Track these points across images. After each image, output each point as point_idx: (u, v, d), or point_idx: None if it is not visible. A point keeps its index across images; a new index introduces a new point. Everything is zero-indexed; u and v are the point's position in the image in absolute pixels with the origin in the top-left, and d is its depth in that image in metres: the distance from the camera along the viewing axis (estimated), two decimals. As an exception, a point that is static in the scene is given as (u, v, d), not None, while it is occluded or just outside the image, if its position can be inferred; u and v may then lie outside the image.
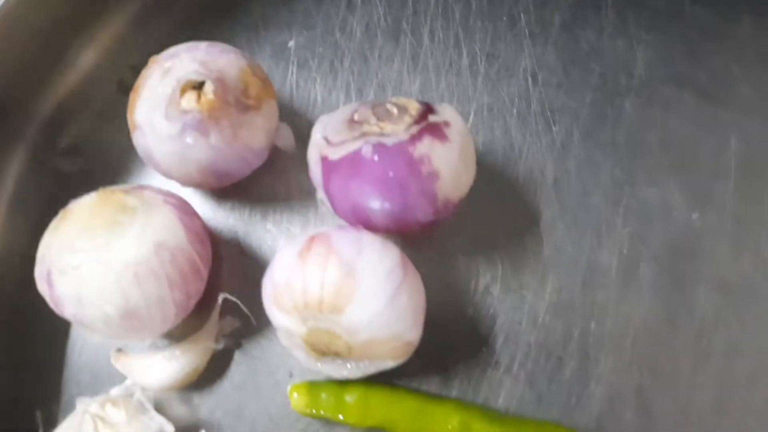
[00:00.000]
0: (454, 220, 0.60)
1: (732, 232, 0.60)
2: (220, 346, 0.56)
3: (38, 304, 0.54)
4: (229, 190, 0.60)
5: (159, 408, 0.56)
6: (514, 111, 0.62)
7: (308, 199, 0.61)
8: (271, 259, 0.53)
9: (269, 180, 0.61)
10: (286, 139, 0.58)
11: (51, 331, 0.58)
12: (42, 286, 0.48)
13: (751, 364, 0.58)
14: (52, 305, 0.49)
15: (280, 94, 0.62)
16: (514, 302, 0.59)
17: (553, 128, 0.62)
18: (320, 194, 0.54)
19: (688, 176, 0.61)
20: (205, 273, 0.51)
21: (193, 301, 0.52)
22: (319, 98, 0.62)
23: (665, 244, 0.60)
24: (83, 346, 0.58)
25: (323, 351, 0.50)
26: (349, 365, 0.52)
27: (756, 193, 0.61)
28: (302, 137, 0.56)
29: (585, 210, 0.60)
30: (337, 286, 0.47)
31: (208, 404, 0.57)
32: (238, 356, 0.58)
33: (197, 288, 0.51)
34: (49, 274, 0.47)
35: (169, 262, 0.48)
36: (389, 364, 0.52)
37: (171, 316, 0.50)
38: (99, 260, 0.47)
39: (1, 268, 0.59)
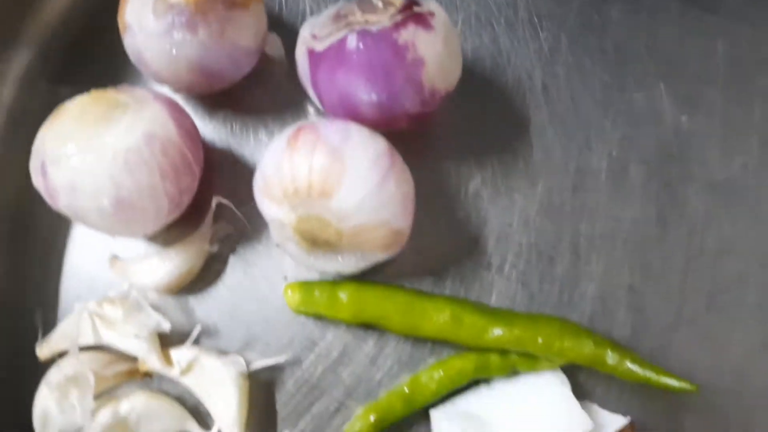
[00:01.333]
0: (444, 125, 0.60)
1: (721, 134, 0.61)
2: (215, 249, 0.57)
3: (37, 212, 0.55)
4: (221, 100, 0.60)
5: (155, 311, 0.56)
6: (502, 19, 0.63)
7: (300, 110, 0.62)
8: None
9: (261, 91, 0.61)
10: (276, 47, 0.59)
11: (50, 239, 0.59)
12: (37, 179, 0.49)
13: (742, 263, 0.59)
14: (47, 198, 0.49)
15: (270, 7, 0.63)
16: (504, 204, 0.59)
17: (541, 35, 0.62)
18: (311, 94, 0.55)
19: (676, 81, 0.62)
20: (197, 170, 0.52)
21: (186, 198, 0.52)
22: (308, 11, 0.63)
23: (654, 147, 0.60)
24: (81, 255, 0.59)
25: (314, 241, 0.50)
26: (340, 258, 0.53)
27: (744, 96, 0.61)
28: (292, 50, 0.57)
29: (574, 115, 0.61)
30: (325, 170, 0.48)
31: (203, 308, 0.58)
32: (232, 261, 0.59)
33: (189, 184, 0.52)
34: (43, 165, 0.48)
35: (160, 153, 0.49)
36: (380, 256, 0.52)
37: (164, 210, 0.50)
38: (91, 149, 0.47)
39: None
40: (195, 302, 0.58)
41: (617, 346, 0.53)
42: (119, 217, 0.49)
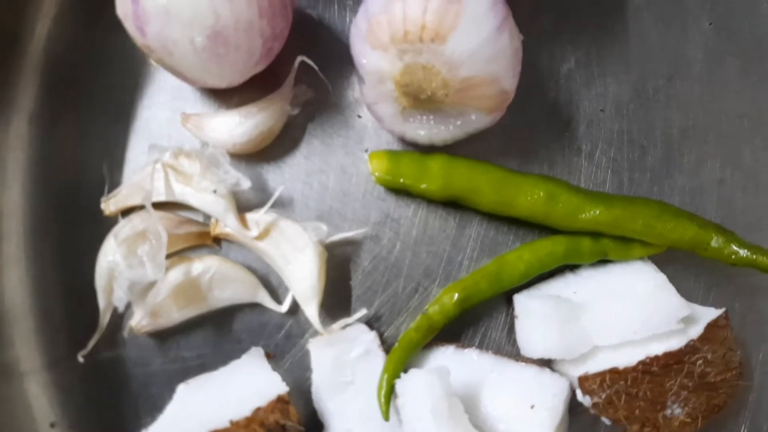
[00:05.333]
0: (541, 3, 0.57)
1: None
2: (295, 111, 0.53)
3: (106, 65, 0.51)
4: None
5: (229, 174, 0.52)
6: None
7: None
8: (347, 32, 0.50)
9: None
10: None
11: (119, 92, 0.55)
12: (124, 5, 0.45)
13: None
14: (132, 28, 0.45)
15: None
16: (597, 89, 0.57)
17: None
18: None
19: (776, -26, 0.59)
20: (290, 16, 0.48)
21: (276, 46, 0.49)
22: None
23: (751, 40, 0.58)
24: (151, 111, 0.55)
25: (416, 94, 0.47)
26: (436, 124, 0.49)
27: None
28: None
29: (671, 1, 0.58)
30: (442, 11, 0.44)
31: (278, 176, 0.55)
32: (311, 128, 0.55)
33: (282, 30, 0.48)
34: (133, -12, 0.44)
35: (260, -14, 0.45)
36: (479, 121, 0.49)
37: (256, 52, 0.47)
38: (189, -30, 0.43)
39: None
40: (269, 170, 0.55)
41: (722, 228, 0.50)
42: (212, 54, 0.45)
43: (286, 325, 0.53)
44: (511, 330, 0.54)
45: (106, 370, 0.52)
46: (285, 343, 0.53)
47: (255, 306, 0.53)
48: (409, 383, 0.46)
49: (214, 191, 0.49)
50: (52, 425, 0.51)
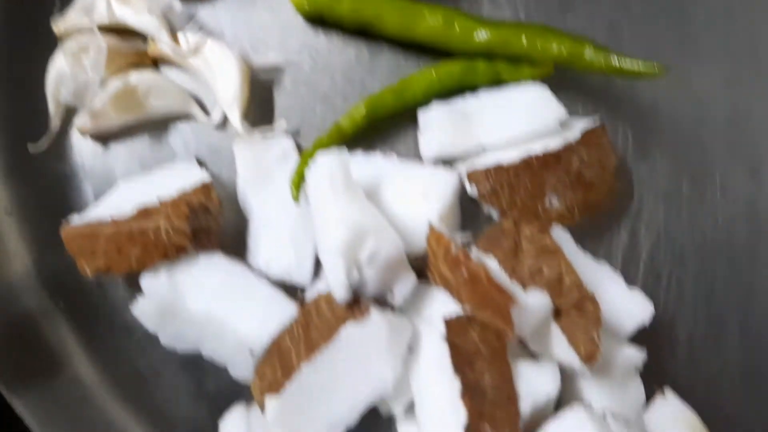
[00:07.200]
0: None
1: None
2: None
3: None
4: None
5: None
6: None
7: None
8: None
9: None
10: None
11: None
12: None
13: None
14: None
15: None
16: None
17: None
18: None
19: None
20: None
21: None
22: None
23: None
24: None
25: None
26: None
27: None
28: None
29: None
30: None
31: (209, 13, 0.62)
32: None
33: None
34: None
35: None
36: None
37: None
38: None
39: None
40: (201, 8, 0.62)
41: (596, 42, 0.57)
42: None
43: (216, 138, 0.60)
44: (417, 147, 0.60)
45: (57, 173, 0.60)
46: (214, 153, 0.60)
47: (189, 120, 0.60)
48: (313, 165, 0.53)
49: (149, 11, 0.56)
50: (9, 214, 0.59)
